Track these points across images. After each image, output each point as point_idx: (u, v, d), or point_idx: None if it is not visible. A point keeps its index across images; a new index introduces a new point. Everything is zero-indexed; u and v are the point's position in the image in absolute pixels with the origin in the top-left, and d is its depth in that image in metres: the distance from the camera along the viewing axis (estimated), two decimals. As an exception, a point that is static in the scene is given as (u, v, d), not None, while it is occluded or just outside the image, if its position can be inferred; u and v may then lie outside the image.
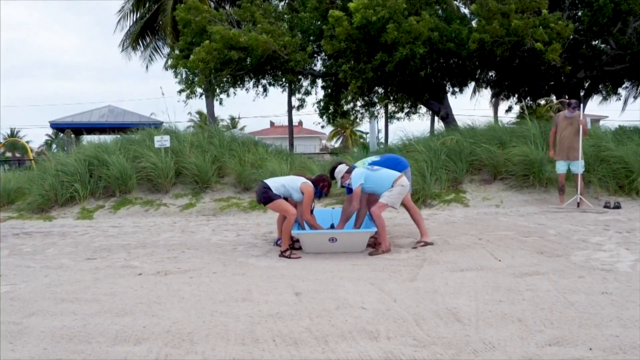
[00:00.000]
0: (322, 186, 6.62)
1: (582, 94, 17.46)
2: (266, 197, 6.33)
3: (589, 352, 3.27)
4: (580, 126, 9.25)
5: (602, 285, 4.59)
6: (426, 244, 6.52)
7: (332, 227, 6.96)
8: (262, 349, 3.45)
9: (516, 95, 19.35)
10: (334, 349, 3.41)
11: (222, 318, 4.03)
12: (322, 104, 18.14)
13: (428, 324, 3.79)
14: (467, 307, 4.12)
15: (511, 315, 3.92)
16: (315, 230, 6.53)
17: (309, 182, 6.49)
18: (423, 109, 20.28)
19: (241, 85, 17.06)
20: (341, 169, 6.64)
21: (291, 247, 6.45)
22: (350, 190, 6.60)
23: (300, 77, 17.24)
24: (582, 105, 16.19)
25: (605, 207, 9.13)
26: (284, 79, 16.89)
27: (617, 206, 9.10)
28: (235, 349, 3.46)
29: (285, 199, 6.44)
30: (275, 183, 6.43)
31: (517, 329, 3.65)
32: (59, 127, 23.46)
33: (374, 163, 6.88)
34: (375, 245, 6.42)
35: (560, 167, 9.44)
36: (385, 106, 20.46)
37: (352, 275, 5.25)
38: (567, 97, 9.90)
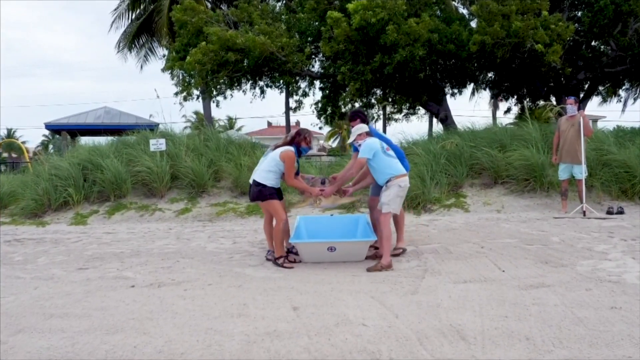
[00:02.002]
0: (298, 141, 6.10)
1: (581, 95, 17.34)
2: (261, 196, 6.01)
3: (602, 375, 3.11)
4: (582, 126, 9.05)
5: (611, 299, 4.43)
6: (403, 250, 6.40)
7: (322, 182, 6.49)
8: (258, 372, 3.28)
9: (515, 97, 19.24)
10: (334, 372, 3.25)
11: (216, 336, 3.86)
12: (319, 105, 18.00)
13: (432, 343, 3.62)
14: (472, 324, 3.95)
15: (518, 332, 3.75)
16: (306, 189, 6.26)
17: (286, 147, 6.02)
18: (422, 111, 20.17)
19: (238, 87, 16.90)
20: (363, 127, 6.13)
21: (287, 255, 6.24)
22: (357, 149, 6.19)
23: (297, 78, 17.09)
24: (581, 106, 16.03)
25: (609, 212, 8.98)
26: (281, 81, 16.74)
27: (620, 211, 8.95)
28: (230, 372, 3.30)
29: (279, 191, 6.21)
30: (261, 174, 6.03)
31: (525, 348, 3.49)
32: (54, 129, 23.23)
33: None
34: (376, 257, 6.16)
35: (563, 172, 9.27)
36: (384, 108, 20.33)
37: (351, 287, 5.08)
38: (566, 98, 9.69)
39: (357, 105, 18.39)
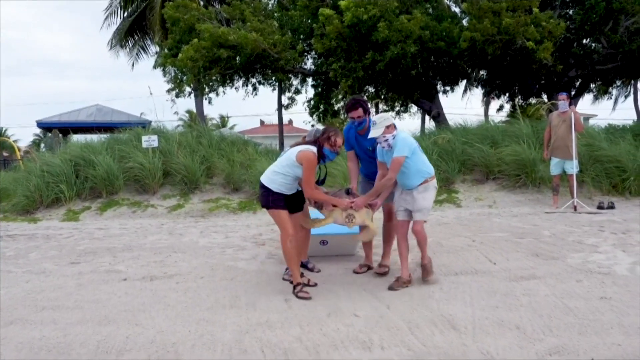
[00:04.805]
0: (321, 141, 4.66)
1: (573, 92, 17.42)
2: (264, 202, 4.75)
3: (591, 362, 3.14)
4: (573, 122, 9.08)
5: (601, 290, 4.47)
6: (388, 269, 5.35)
7: (347, 192, 4.99)
8: (250, 360, 3.29)
9: (507, 94, 19.31)
10: (326, 360, 3.26)
11: (208, 327, 3.86)
12: (312, 102, 18.02)
13: (423, 333, 3.64)
14: (463, 314, 3.98)
15: (509, 322, 3.78)
16: (330, 201, 4.78)
17: (308, 148, 4.62)
18: (414, 108, 20.22)
19: (230, 84, 16.89)
20: (388, 117, 4.71)
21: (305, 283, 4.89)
22: (369, 145, 5.12)
23: (290, 75, 17.11)
24: (572, 103, 16.12)
25: (599, 207, 9.03)
26: (273, 78, 16.75)
27: (611, 206, 9.01)
28: (222, 360, 3.31)
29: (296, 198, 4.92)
30: (268, 175, 4.73)
31: (516, 337, 3.52)
32: (45, 127, 23.12)
33: None
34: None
35: (554, 167, 9.31)
36: (376, 105, 20.36)
37: (344, 279, 5.10)
38: (557, 94, 9.75)
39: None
